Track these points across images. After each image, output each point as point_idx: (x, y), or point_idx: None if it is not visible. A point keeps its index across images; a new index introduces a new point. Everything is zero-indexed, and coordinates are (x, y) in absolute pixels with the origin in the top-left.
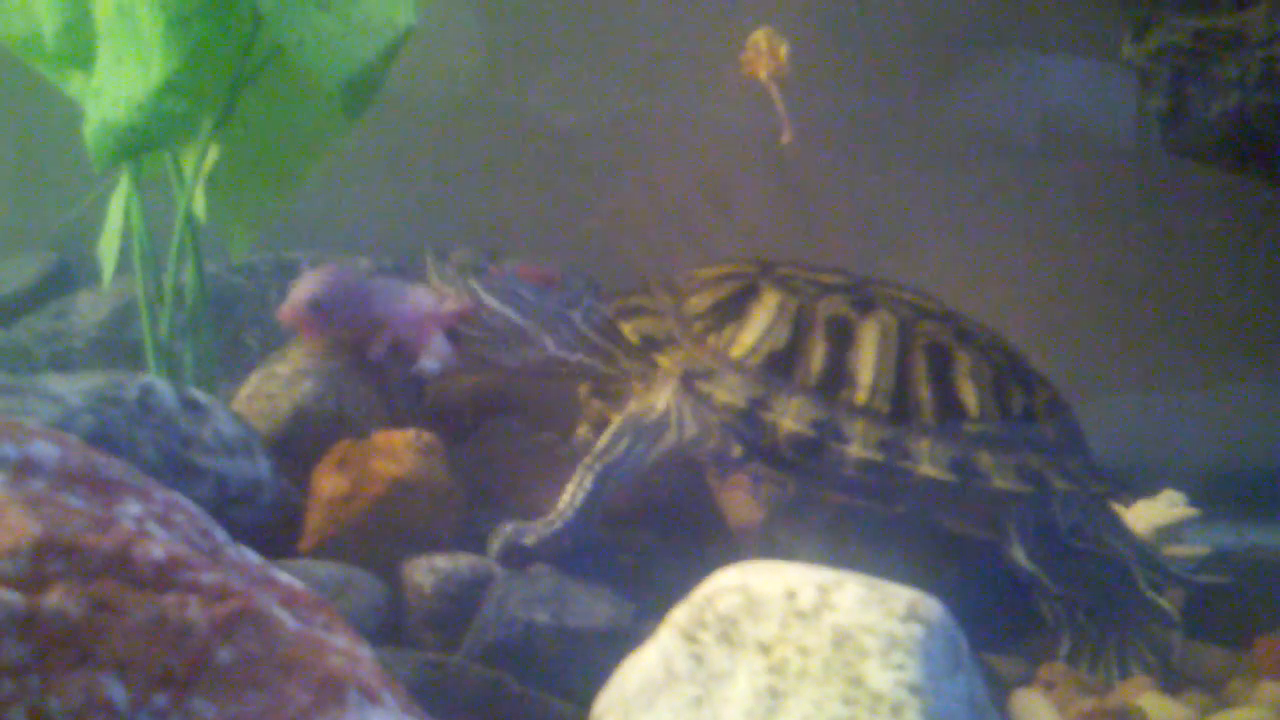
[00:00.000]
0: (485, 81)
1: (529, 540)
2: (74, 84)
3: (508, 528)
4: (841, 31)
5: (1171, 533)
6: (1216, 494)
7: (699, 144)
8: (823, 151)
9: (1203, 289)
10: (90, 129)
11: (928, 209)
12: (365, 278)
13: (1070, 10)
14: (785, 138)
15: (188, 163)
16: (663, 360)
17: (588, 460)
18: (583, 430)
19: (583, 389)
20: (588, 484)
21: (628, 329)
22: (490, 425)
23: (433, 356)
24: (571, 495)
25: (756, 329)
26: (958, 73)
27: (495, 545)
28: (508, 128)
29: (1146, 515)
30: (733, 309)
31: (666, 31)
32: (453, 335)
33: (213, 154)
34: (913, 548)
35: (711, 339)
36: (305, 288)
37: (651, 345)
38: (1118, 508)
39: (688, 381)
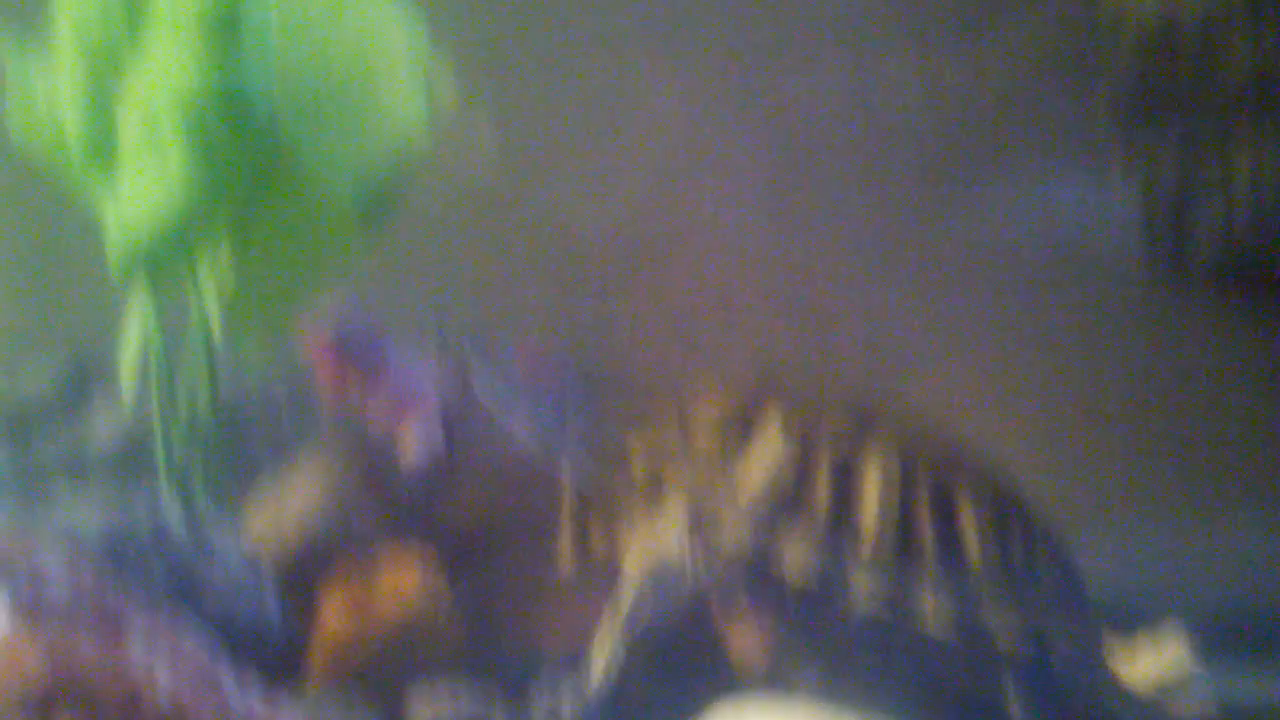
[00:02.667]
0: (497, 184)
1: (567, 715)
2: (96, 191)
3: (544, 700)
4: (854, 150)
5: (1176, 688)
6: (1222, 629)
7: (709, 254)
8: (833, 269)
9: (1210, 419)
10: (112, 236)
11: (935, 329)
12: (384, 338)
13: (1077, 136)
14: None
15: (207, 283)
16: (665, 491)
17: (618, 630)
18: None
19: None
20: (622, 656)
21: (632, 453)
22: (500, 555)
23: (422, 448)
24: (606, 668)
25: (762, 466)
26: (967, 195)
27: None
28: (519, 231)
29: (1149, 665)
30: (738, 437)
31: (680, 143)
32: (448, 426)
33: (231, 273)
34: (913, 696)
35: (715, 471)
36: (331, 326)
37: (652, 466)
38: (1121, 651)
39: (693, 521)
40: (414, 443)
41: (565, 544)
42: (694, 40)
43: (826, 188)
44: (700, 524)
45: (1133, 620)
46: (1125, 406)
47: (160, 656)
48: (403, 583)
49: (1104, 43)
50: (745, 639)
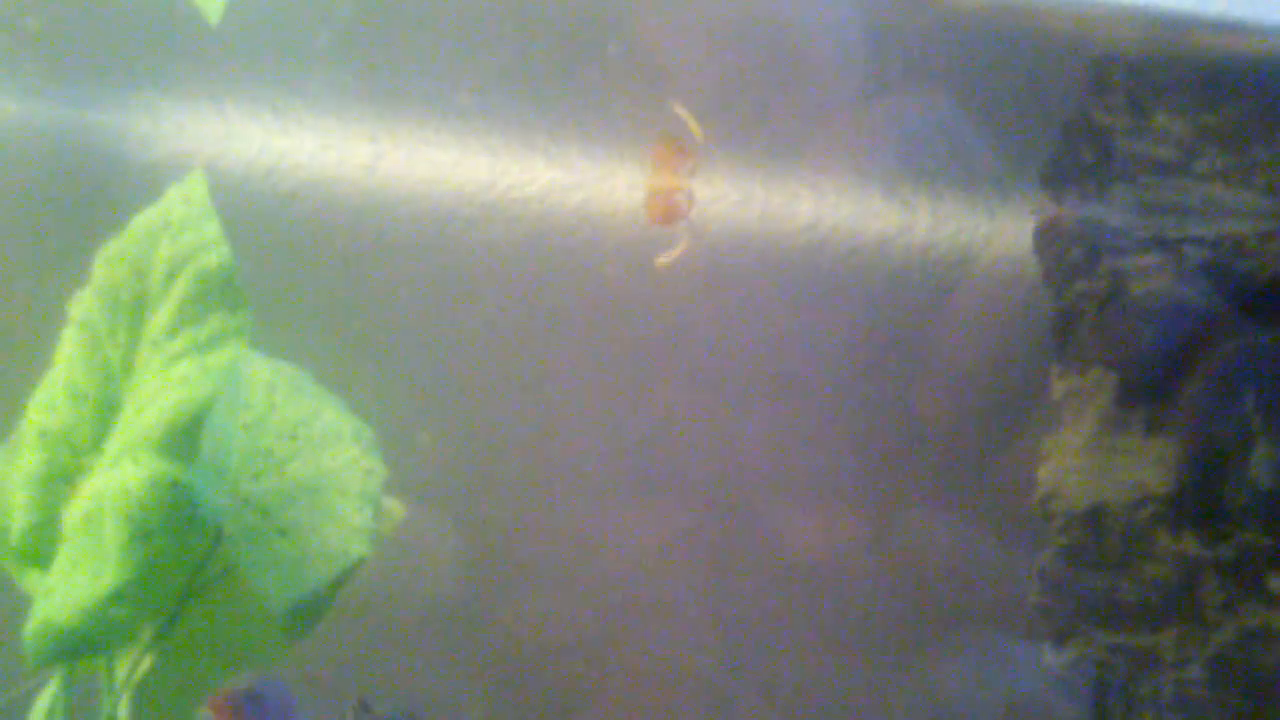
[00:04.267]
0: (459, 596)
1: None
2: (30, 580)
3: None
4: (809, 611)
5: None
6: None
7: (661, 688)
8: (777, 712)
9: None
10: (33, 627)
11: None
12: (291, 704)
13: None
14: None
15: (121, 667)
16: None
17: None
18: None
19: None
20: None
21: None
22: None
23: None
24: None
25: None
26: (924, 650)
27: None
28: (471, 642)
29: None
30: None
31: (640, 581)
32: None
33: (147, 662)
34: None
35: None
36: (251, 690)
37: None
38: None
39: None
40: None
41: None
42: (664, 477)
43: (780, 625)
44: None
45: None
46: None
47: None
48: None
49: (1038, 524)
50: None
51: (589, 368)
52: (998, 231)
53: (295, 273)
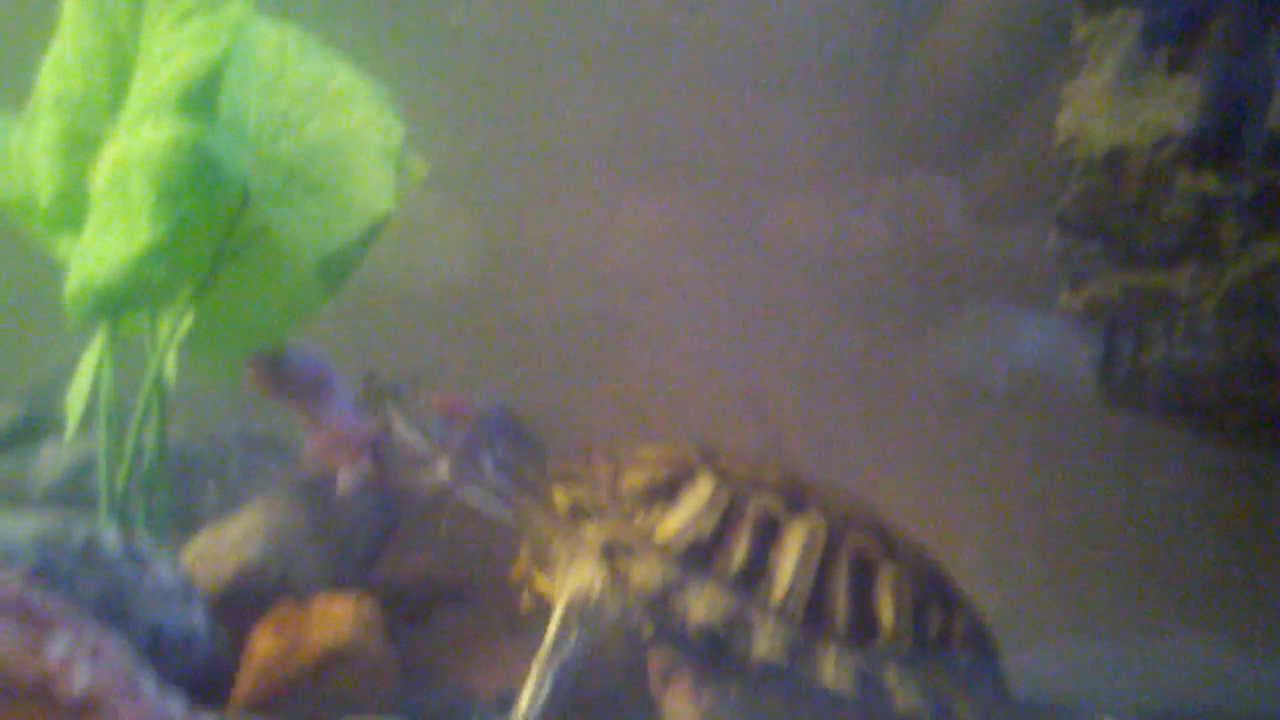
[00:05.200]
0: (472, 276)
1: None
2: (62, 246)
3: None
4: (824, 274)
5: None
6: None
7: (671, 353)
8: (793, 381)
9: (1158, 543)
10: (71, 287)
11: (889, 445)
12: (333, 378)
13: (1044, 270)
14: None
15: (163, 326)
16: (587, 530)
17: (540, 659)
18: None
19: (523, 559)
20: (546, 686)
21: (559, 494)
22: (440, 614)
23: (349, 477)
24: (531, 699)
25: (684, 514)
26: (934, 323)
27: None
28: (489, 320)
29: None
30: (666, 491)
31: (654, 253)
32: (377, 459)
33: (189, 319)
34: None
35: (639, 517)
36: (283, 351)
37: (578, 514)
38: None
39: (607, 555)
40: (346, 473)
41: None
42: (678, 160)
43: (796, 307)
44: (611, 556)
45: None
46: (1072, 525)
47: (81, 654)
48: (334, 610)
49: (1058, 169)
50: (682, 711)
51: (601, 53)
52: None
53: None
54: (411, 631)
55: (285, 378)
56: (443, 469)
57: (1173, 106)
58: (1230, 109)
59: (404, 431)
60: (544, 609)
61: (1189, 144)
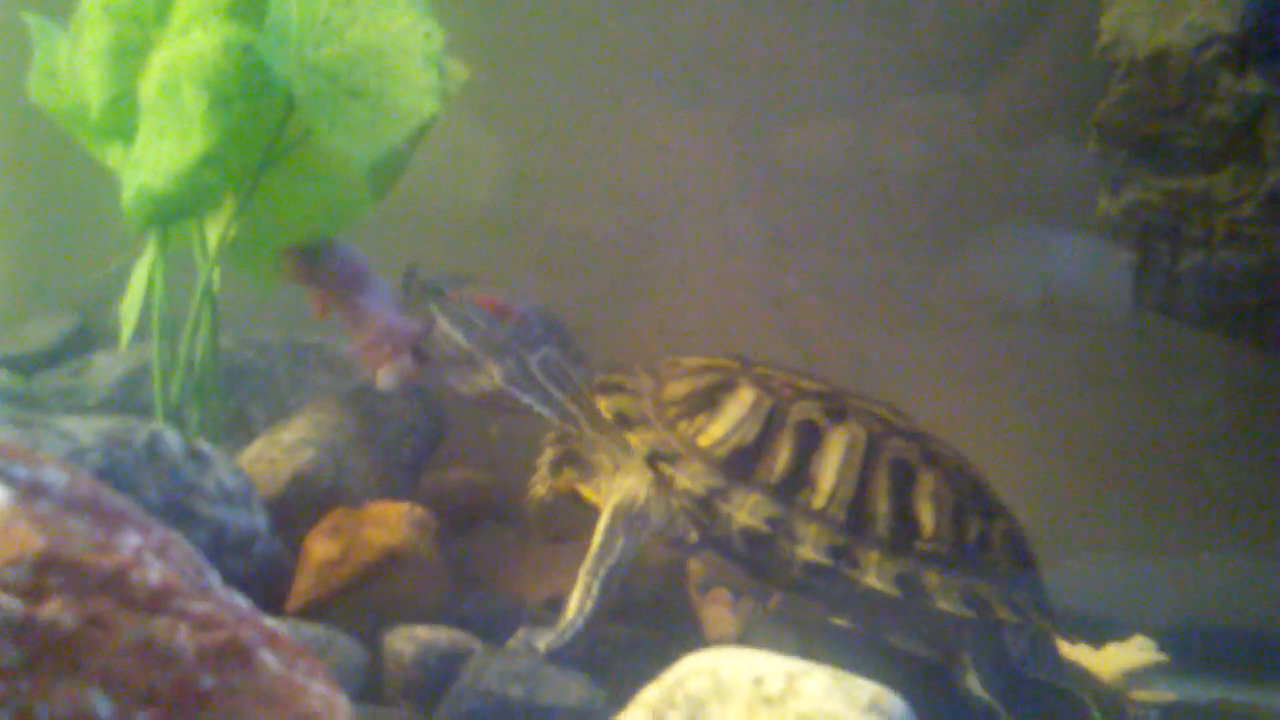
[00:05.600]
0: (503, 196)
1: (542, 647)
2: (113, 154)
3: (520, 633)
4: (855, 192)
5: (1140, 677)
6: (1188, 652)
7: (704, 272)
8: (826, 300)
9: (1191, 458)
10: (127, 195)
11: (924, 362)
12: (372, 275)
13: (1074, 186)
14: None
15: (212, 235)
16: (632, 439)
17: (588, 565)
18: (540, 490)
19: (548, 451)
20: (595, 591)
21: (604, 404)
22: (484, 524)
23: (392, 373)
24: (580, 603)
25: (727, 422)
26: (964, 241)
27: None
28: (522, 231)
29: (1116, 658)
30: (708, 399)
31: (686, 174)
32: (419, 357)
33: (235, 228)
34: (880, 675)
35: (683, 425)
36: (321, 246)
37: (623, 423)
38: (1088, 648)
39: (652, 462)
40: (388, 370)
41: (540, 476)
42: (705, 81)
43: (827, 224)
44: (656, 463)
45: (1103, 632)
46: (1108, 442)
47: (150, 545)
48: (388, 514)
49: (1097, 75)
50: (720, 618)
51: None
52: None
53: None
54: (458, 540)
55: (324, 270)
56: (489, 366)
57: (1216, 7)
58: (1275, 9)
59: (448, 328)
60: (563, 510)
61: (1232, 45)
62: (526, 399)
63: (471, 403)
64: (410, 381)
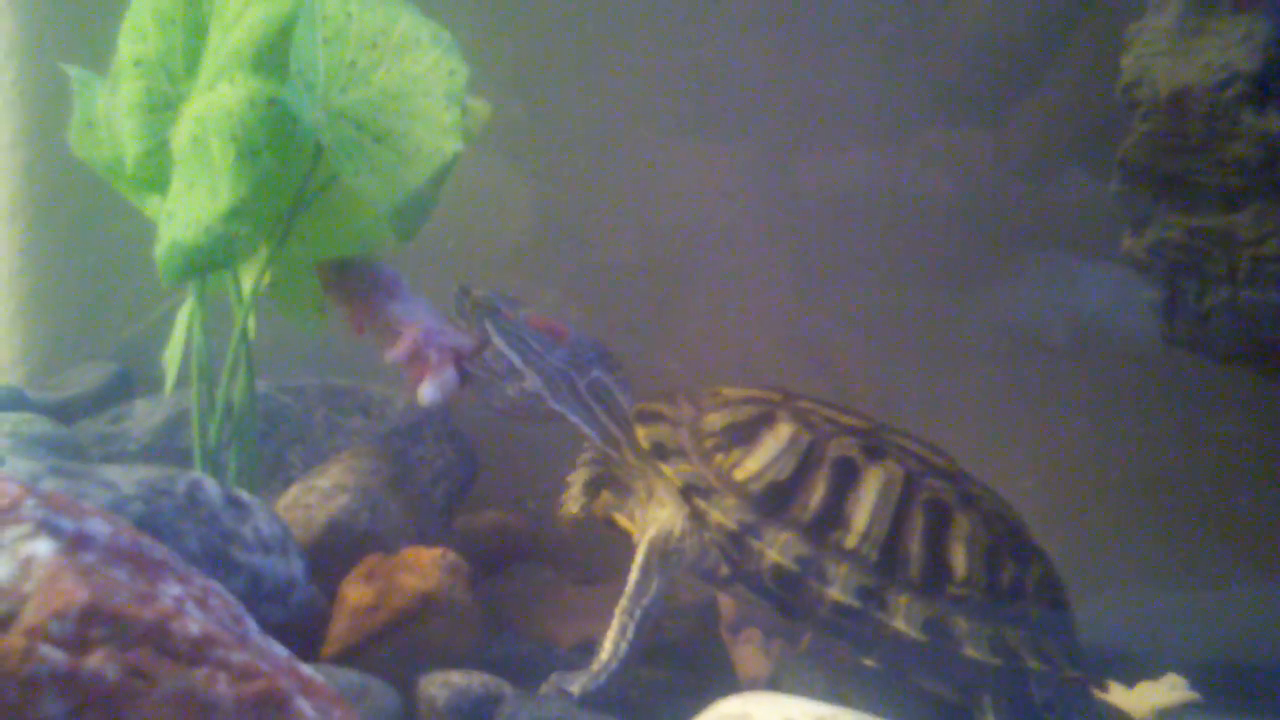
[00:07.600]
0: (541, 232)
1: (575, 690)
2: (151, 205)
3: (553, 677)
4: (880, 224)
5: (1173, 715)
6: (1220, 689)
7: (732, 307)
8: (855, 335)
9: (1221, 490)
10: (161, 248)
11: (952, 399)
12: (407, 287)
13: (1098, 218)
14: None
15: (246, 282)
16: (667, 470)
17: (624, 605)
18: (574, 508)
19: (581, 471)
20: (630, 632)
21: (641, 434)
22: (516, 567)
23: (436, 386)
24: (615, 645)
25: (764, 457)
26: (992, 271)
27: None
28: (559, 274)
29: (1148, 696)
30: (746, 433)
31: (711, 210)
32: (462, 373)
33: (269, 274)
34: (909, 716)
35: (719, 458)
36: (361, 259)
37: (660, 453)
38: (1121, 687)
39: (686, 495)
40: (431, 381)
41: (572, 494)
42: (732, 115)
43: (853, 257)
44: (690, 496)
45: (1134, 668)
46: (1136, 475)
47: (190, 595)
48: (422, 559)
49: (1119, 110)
50: (752, 658)
51: (659, 5)
52: None
53: None
54: (489, 581)
55: (356, 281)
56: (545, 392)
57: (1237, 45)
58: None
59: (504, 347)
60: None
61: (1254, 83)
62: (573, 418)
63: (499, 412)
64: (450, 395)
